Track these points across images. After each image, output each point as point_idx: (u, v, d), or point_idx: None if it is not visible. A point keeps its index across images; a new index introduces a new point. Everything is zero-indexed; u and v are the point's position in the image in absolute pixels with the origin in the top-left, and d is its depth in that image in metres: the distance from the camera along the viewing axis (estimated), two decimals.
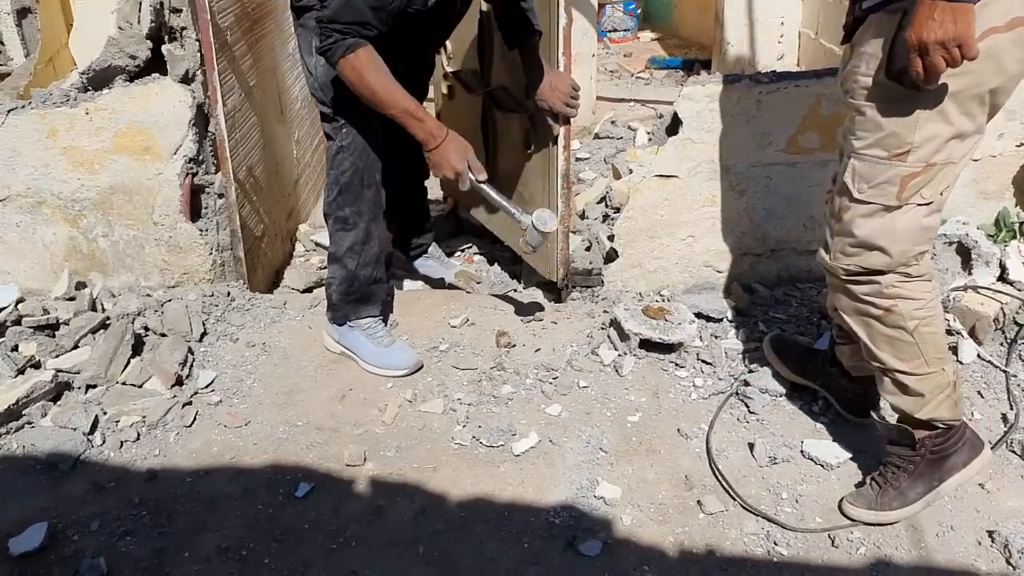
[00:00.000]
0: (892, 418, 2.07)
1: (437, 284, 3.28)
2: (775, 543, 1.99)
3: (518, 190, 3.08)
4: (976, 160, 2.93)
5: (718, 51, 5.45)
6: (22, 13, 4.50)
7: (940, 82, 1.67)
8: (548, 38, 2.65)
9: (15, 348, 2.60)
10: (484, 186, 2.45)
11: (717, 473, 2.20)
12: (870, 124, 1.81)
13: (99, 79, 2.79)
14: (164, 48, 2.75)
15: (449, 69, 3.36)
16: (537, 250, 2.61)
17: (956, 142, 1.77)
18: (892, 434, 2.05)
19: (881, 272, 1.89)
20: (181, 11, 2.73)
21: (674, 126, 2.77)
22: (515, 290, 3.21)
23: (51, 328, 2.68)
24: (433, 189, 3.39)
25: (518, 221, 2.53)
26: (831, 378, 2.38)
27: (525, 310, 2.89)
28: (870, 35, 1.78)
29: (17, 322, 2.68)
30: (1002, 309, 2.63)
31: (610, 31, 6.76)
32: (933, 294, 1.95)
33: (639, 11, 7.11)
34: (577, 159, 4.37)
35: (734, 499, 2.12)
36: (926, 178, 1.80)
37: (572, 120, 2.72)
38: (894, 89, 1.74)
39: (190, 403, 2.45)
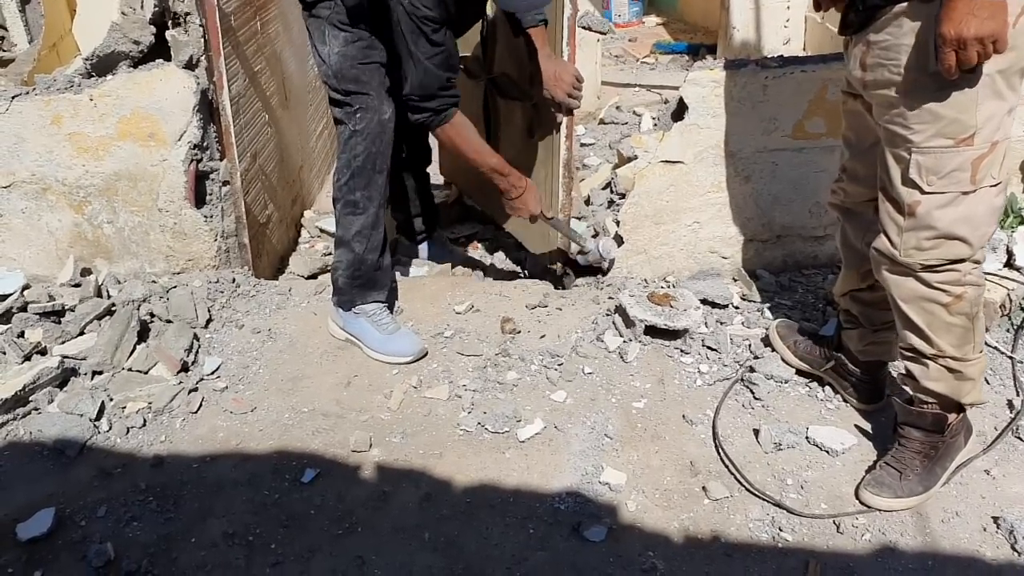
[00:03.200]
0: (923, 404, 2.04)
1: (442, 271, 3.28)
2: (780, 529, 1.99)
3: None
4: None
5: (724, 36, 5.42)
6: None
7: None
8: (553, 28, 2.64)
9: (21, 334, 2.60)
10: (556, 220, 2.81)
11: (723, 456, 2.21)
12: (927, 115, 1.78)
13: (103, 65, 2.78)
14: (168, 34, 2.74)
15: None
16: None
17: (1007, 117, 1.78)
18: (925, 421, 2.04)
19: (962, 260, 1.88)
20: None
21: (679, 111, 2.75)
22: (519, 276, 3.21)
23: (57, 314, 2.69)
24: (435, 176, 3.38)
25: (582, 245, 2.87)
26: (838, 364, 2.37)
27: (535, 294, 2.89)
28: (905, 25, 1.75)
29: (23, 308, 2.69)
30: (1008, 295, 2.62)
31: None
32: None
33: None
34: (582, 144, 4.36)
35: (740, 483, 2.12)
36: (993, 157, 1.79)
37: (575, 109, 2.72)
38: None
39: (196, 389, 2.46)
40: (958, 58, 1.65)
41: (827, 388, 2.42)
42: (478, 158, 2.55)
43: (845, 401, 2.38)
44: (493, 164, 2.57)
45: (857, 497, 2.08)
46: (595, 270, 2.98)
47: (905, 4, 1.74)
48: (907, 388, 2.07)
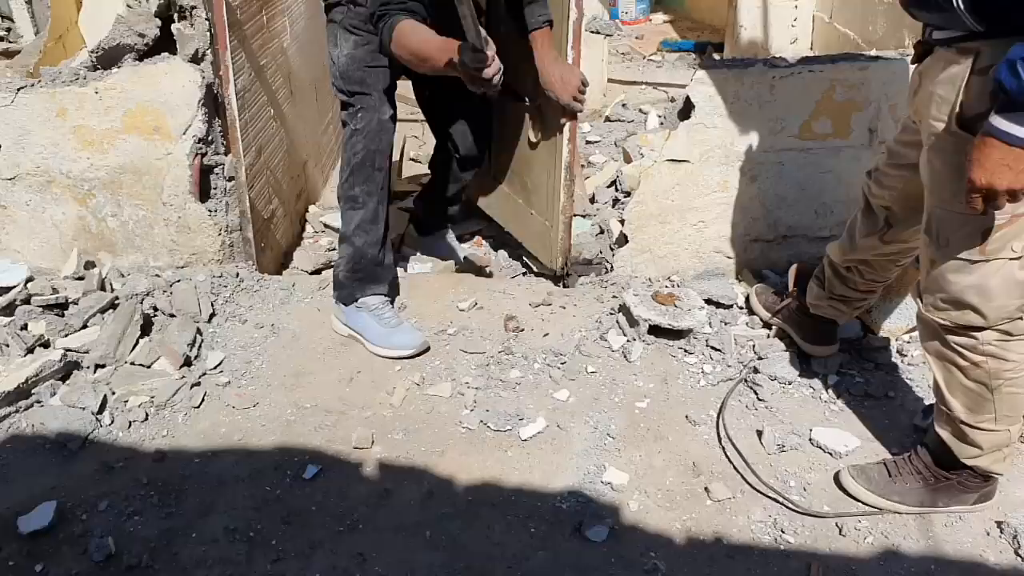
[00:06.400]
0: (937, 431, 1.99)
1: (446, 267, 3.27)
2: (782, 531, 1.98)
3: (520, 177, 3.07)
4: None
5: (731, 34, 5.41)
6: None
7: None
8: (558, 31, 2.63)
9: (24, 327, 2.60)
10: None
11: (732, 447, 2.21)
12: (949, 170, 1.69)
13: (108, 58, 2.77)
14: (174, 27, 2.74)
15: None
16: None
17: None
18: (935, 445, 2.00)
19: (978, 328, 1.80)
20: None
21: (686, 110, 2.74)
22: (523, 274, 3.20)
23: (60, 307, 2.69)
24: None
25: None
26: (794, 301, 2.52)
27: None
28: (940, 75, 1.69)
29: (26, 301, 2.69)
30: None
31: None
32: None
33: None
34: (587, 142, 4.35)
35: (744, 481, 2.12)
36: (1014, 230, 1.68)
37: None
38: (967, 139, 1.63)
39: (198, 384, 2.45)
40: (985, 202, 1.58)
41: (831, 390, 2.41)
42: (428, 51, 2.25)
43: (796, 345, 2.51)
44: (442, 47, 2.24)
45: (836, 476, 2.11)
46: (590, 271, 2.98)
47: (944, 50, 1.68)
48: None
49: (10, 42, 5.50)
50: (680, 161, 2.78)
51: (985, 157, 1.52)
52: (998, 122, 1.49)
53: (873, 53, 2.85)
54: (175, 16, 2.76)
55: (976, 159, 1.54)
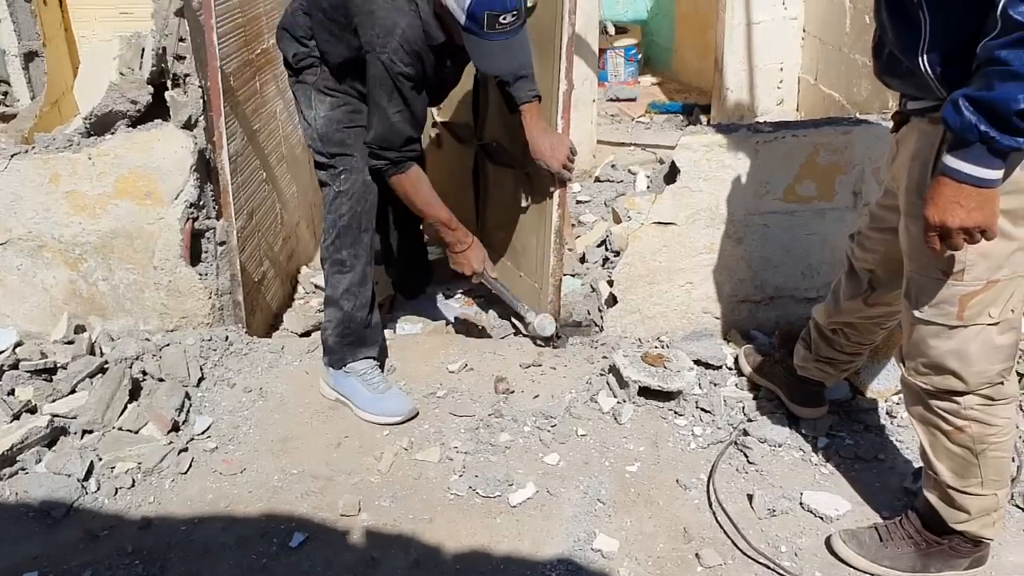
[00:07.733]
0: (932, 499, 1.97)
1: (436, 328, 3.28)
2: None
3: (510, 240, 3.10)
4: None
5: (718, 96, 5.49)
6: (29, 56, 4.56)
7: None
8: (548, 102, 2.69)
9: (11, 392, 2.59)
10: (496, 283, 2.86)
11: (723, 512, 2.19)
12: (922, 239, 1.69)
13: (101, 124, 2.81)
14: (167, 94, 2.79)
15: (439, 119, 3.41)
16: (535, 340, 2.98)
17: (1018, 255, 1.67)
18: (924, 510, 1.99)
19: (960, 393, 1.81)
20: (184, 58, 2.76)
21: (672, 174, 2.78)
22: (513, 334, 3.20)
23: (49, 372, 2.68)
24: None
25: (523, 316, 2.95)
26: (778, 373, 2.54)
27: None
28: (914, 144, 1.74)
29: (15, 366, 2.67)
30: None
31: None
32: (1013, 418, 1.85)
33: (640, 56, 7.17)
34: (578, 202, 4.38)
35: (736, 547, 2.10)
36: (990, 296, 1.70)
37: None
38: None
39: (186, 449, 2.44)
40: (942, 241, 1.60)
41: (821, 453, 2.40)
42: (428, 210, 2.58)
43: (785, 406, 2.52)
44: (443, 218, 2.59)
45: (827, 540, 2.09)
46: (581, 334, 3.00)
47: (918, 119, 1.73)
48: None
49: (6, 105, 5.55)
50: (667, 223, 2.81)
51: (938, 195, 1.56)
52: (948, 160, 1.53)
53: (857, 116, 2.91)
54: (168, 83, 2.81)
55: (930, 197, 1.58)
